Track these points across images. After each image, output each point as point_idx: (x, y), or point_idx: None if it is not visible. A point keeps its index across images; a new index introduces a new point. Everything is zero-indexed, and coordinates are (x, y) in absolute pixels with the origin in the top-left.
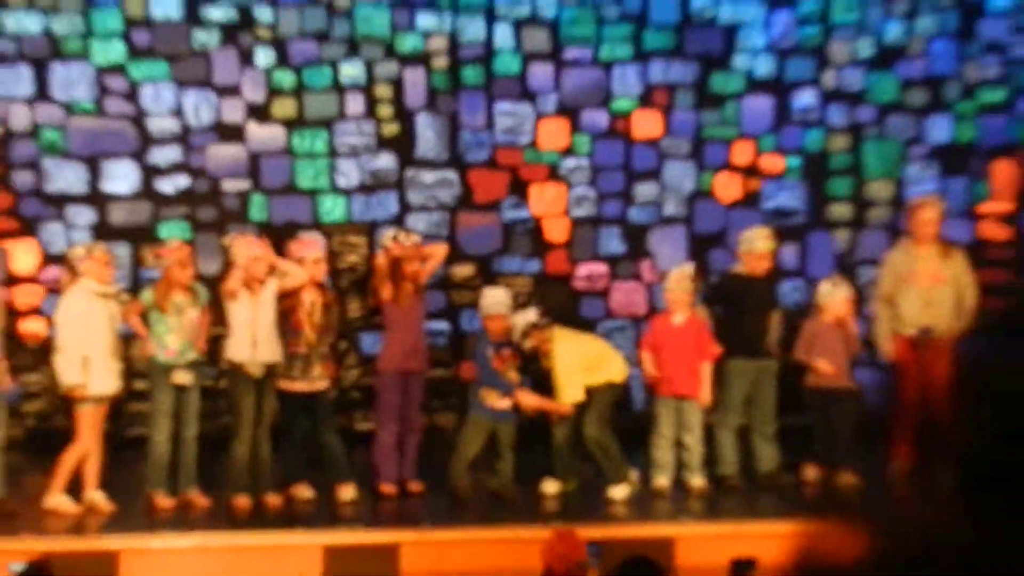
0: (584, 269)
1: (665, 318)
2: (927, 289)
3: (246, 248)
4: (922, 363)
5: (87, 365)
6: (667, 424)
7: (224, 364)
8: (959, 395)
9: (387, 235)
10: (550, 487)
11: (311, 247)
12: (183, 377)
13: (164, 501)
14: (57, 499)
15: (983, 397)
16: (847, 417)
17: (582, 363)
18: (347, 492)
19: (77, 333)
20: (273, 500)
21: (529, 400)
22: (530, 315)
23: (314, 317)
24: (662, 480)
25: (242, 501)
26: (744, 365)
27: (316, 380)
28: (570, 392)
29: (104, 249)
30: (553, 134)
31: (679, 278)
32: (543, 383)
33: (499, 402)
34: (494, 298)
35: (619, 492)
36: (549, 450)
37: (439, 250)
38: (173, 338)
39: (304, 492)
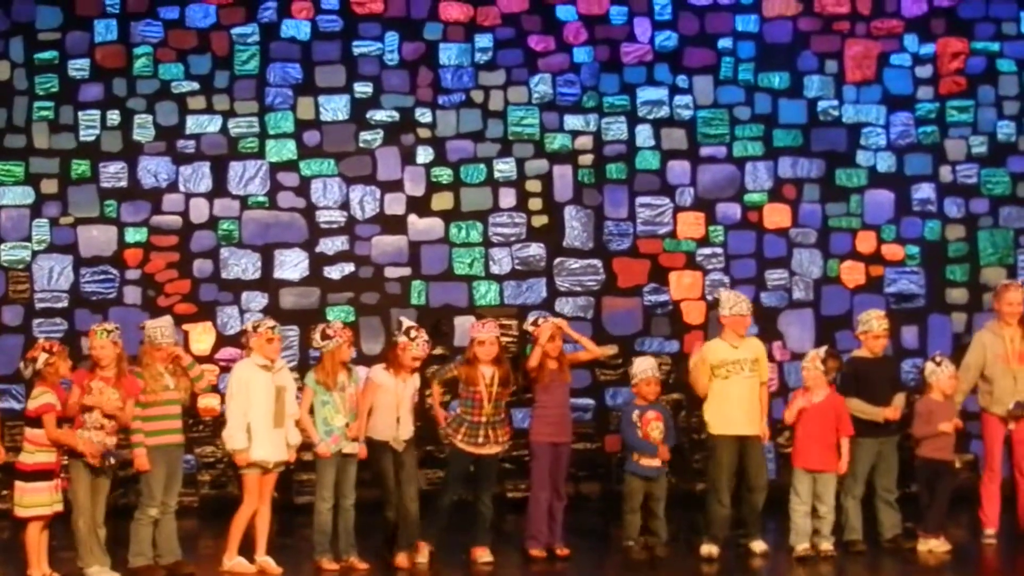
0: None
1: (805, 395)
2: (1017, 368)
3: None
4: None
5: (250, 433)
6: (806, 493)
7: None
8: None
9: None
10: (707, 548)
11: (482, 329)
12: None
13: (329, 565)
14: (234, 561)
15: None
16: (947, 487)
17: None
18: (484, 555)
19: (242, 403)
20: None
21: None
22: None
23: (492, 389)
24: (805, 545)
25: (400, 560)
26: (870, 443)
27: (493, 445)
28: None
29: (269, 326)
30: (690, 225)
31: (813, 358)
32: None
33: (651, 461)
34: (647, 363)
35: (761, 546)
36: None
37: (592, 352)
38: (339, 417)
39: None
